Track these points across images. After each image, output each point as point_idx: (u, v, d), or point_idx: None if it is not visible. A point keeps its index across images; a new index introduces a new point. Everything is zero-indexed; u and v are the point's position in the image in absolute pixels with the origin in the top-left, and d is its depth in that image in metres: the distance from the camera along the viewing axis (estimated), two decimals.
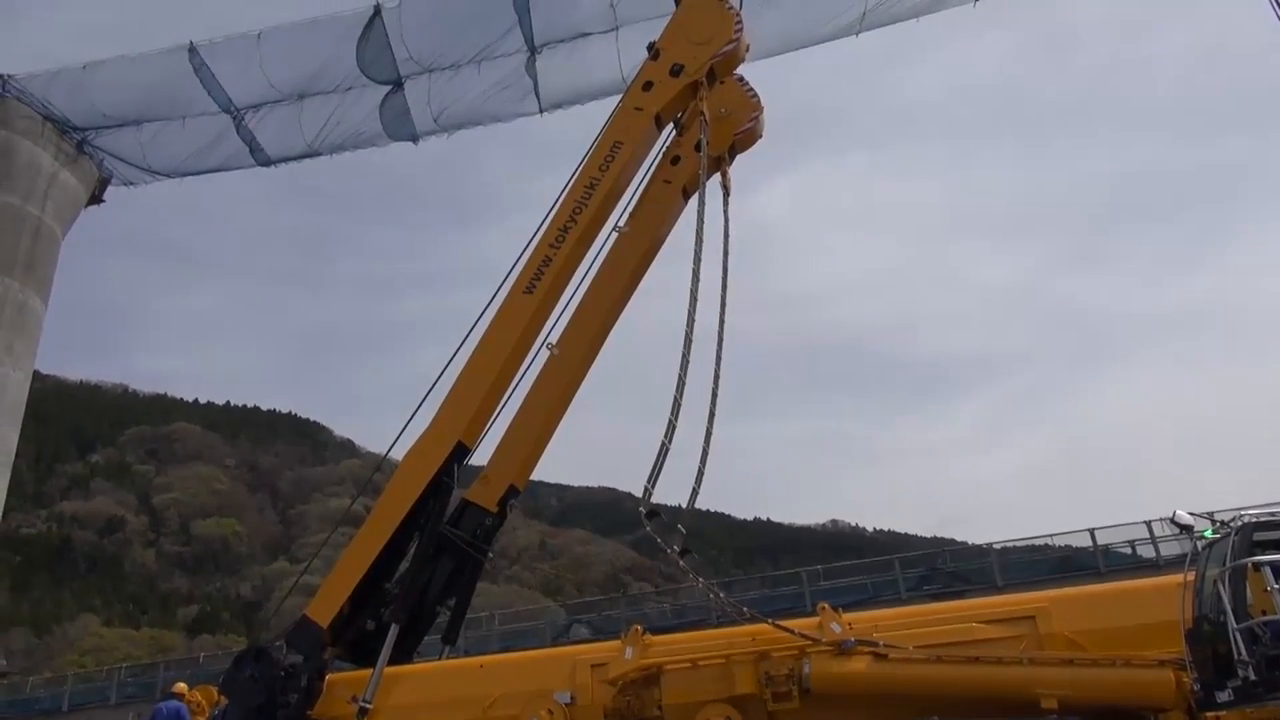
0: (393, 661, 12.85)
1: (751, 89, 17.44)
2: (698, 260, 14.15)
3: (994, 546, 25.74)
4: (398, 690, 12.40)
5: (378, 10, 29.36)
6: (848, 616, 10.92)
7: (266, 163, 32.92)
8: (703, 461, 12.50)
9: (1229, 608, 7.21)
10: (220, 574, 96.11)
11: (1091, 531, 25.51)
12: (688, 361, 12.90)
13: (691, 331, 13.24)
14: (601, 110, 16.96)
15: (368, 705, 12.10)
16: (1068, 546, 24.94)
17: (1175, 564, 22.43)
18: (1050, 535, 26.35)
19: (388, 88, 30.58)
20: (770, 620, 10.97)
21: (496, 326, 14.82)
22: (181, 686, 12.41)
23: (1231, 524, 7.77)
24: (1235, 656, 7.08)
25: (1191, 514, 8.13)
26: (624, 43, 28.43)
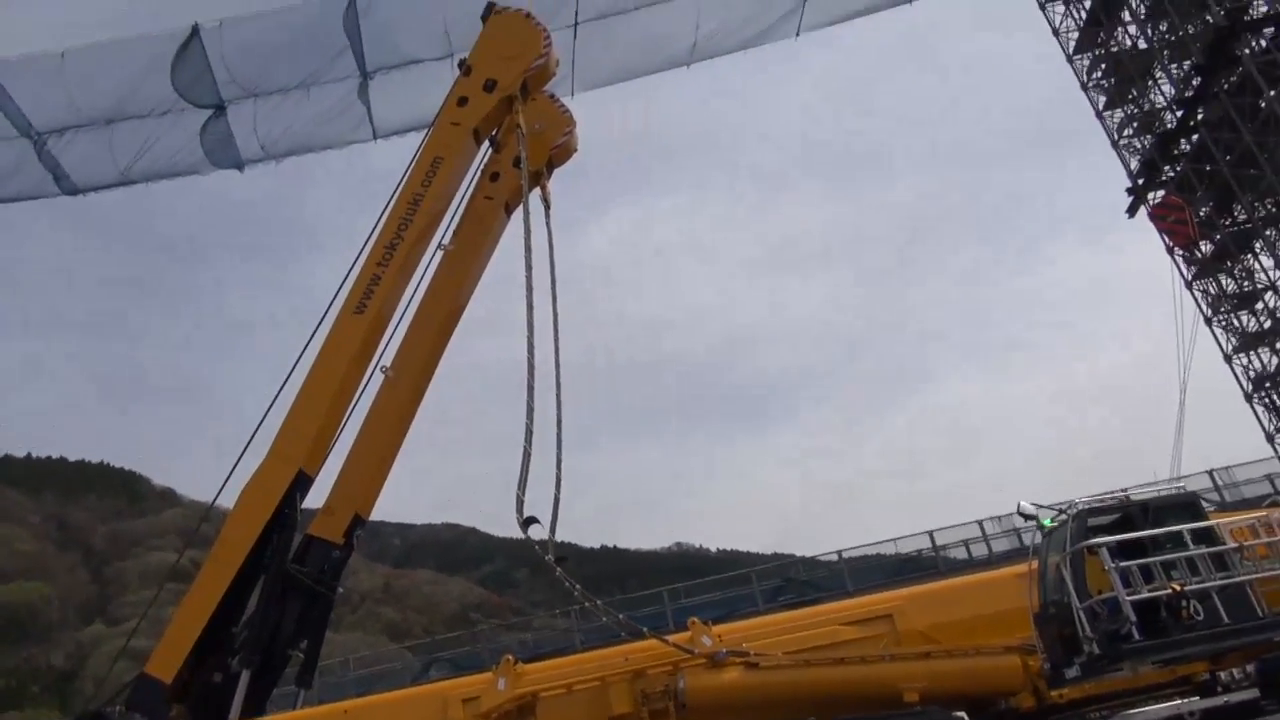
0: (245, 713, 12.08)
1: (563, 105, 17.97)
2: (529, 268, 14.30)
3: (842, 554, 26.85)
4: None
5: (196, 31, 27.94)
6: (718, 629, 11.10)
7: (73, 191, 30.61)
8: (558, 467, 12.47)
9: (1072, 589, 7.75)
10: (28, 643, 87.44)
11: (930, 534, 26.94)
12: (534, 365, 13.05)
13: (533, 335, 13.38)
14: None
15: None
16: (916, 552, 26.26)
17: (1006, 558, 24.21)
18: (893, 539, 27.70)
19: (208, 112, 29.11)
20: (655, 634, 10.99)
21: (329, 348, 14.48)
22: None
23: (1067, 512, 8.35)
24: (1080, 634, 7.61)
25: (1035, 504, 8.71)
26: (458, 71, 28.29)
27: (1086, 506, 8.27)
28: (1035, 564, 8.94)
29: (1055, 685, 8.60)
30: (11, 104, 27.85)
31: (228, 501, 14.28)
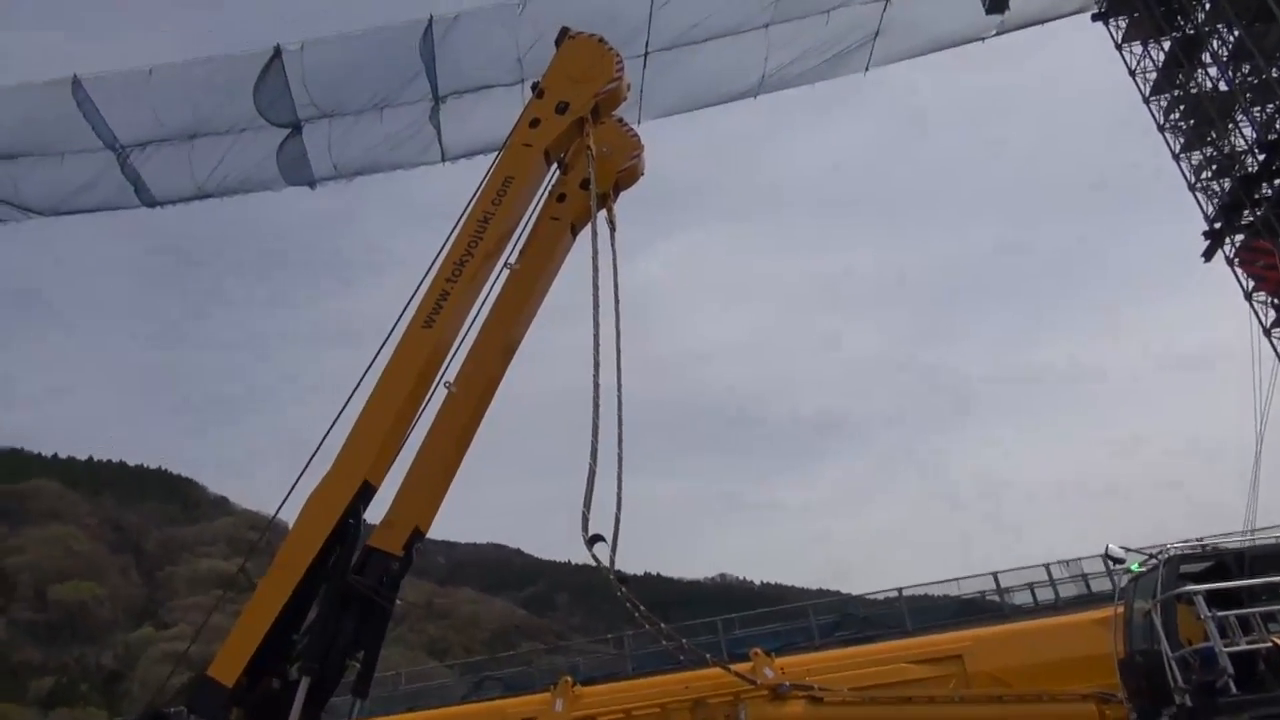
0: None
1: (632, 129, 18.14)
2: (596, 287, 14.30)
3: (902, 592, 26.34)
4: None
5: (278, 52, 28.78)
6: (780, 661, 10.93)
7: (152, 203, 31.61)
8: (619, 487, 12.33)
9: (1164, 637, 7.47)
10: (78, 643, 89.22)
11: (995, 575, 26.22)
12: (599, 382, 13.00)
13: (598, 351, 13.31)
14: None
15: None
16: (978, 593, 25.67)
17: (1073, 605, 23.57)
18: (956, 579, 27.26)
19: (285, 131, 29.90)
20: (719, 662, 10.85)
21: (397, 361, 14.66)
22: None
23: (1158, 557, 8.08)
24: (1171, 684, 7.32)
25: (1124, 548, 8.44)
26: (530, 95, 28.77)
27: (1179, 553, 7.99)
28: (1121, 609, 8.64)
29: None
30: (99, 117, 28.90)
31: (288, 514, 14.57)
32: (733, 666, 11.00)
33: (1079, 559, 24.66)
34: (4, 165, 29.94)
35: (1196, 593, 7.43)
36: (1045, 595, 24.50)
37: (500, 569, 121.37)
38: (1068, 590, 24.27)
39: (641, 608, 11.01)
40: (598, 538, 11.33)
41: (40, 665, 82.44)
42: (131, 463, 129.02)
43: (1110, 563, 8.64)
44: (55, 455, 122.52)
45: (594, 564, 11.19)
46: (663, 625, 11.26)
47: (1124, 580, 8.76)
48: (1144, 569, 8.35)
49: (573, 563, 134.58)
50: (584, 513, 11.49)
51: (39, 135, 29.74)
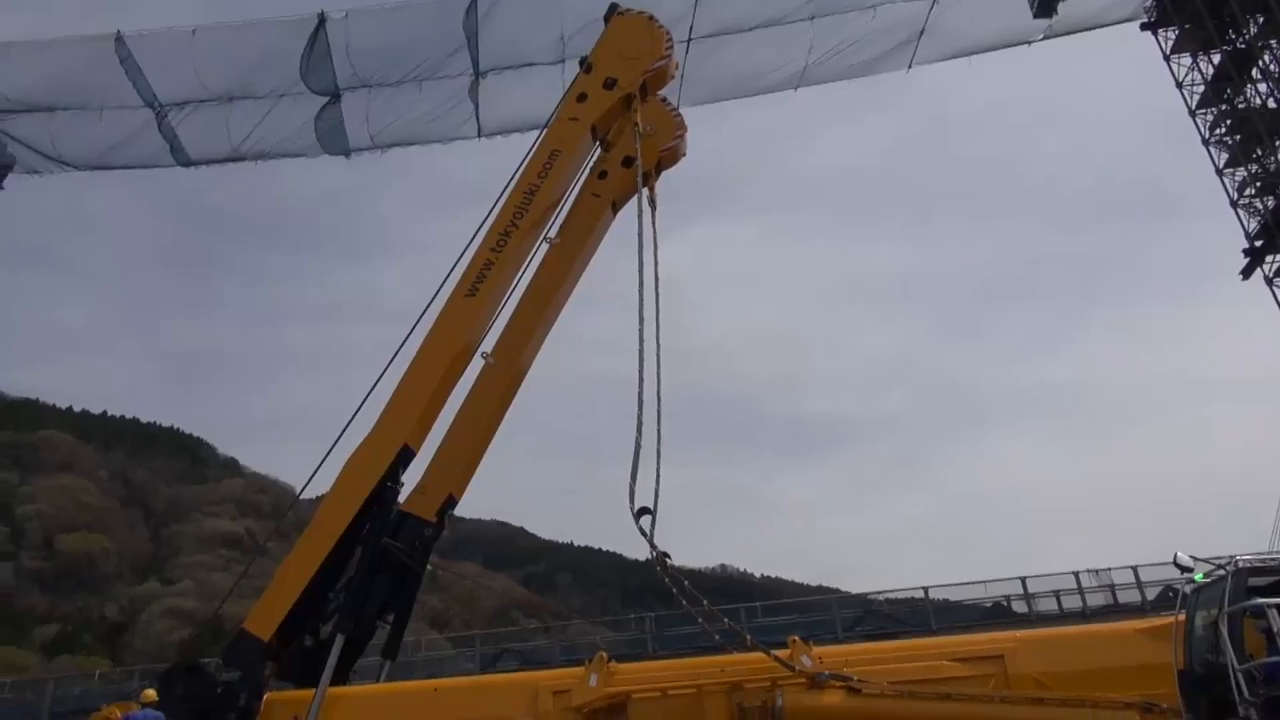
0: (333, 680, 12.29)
1: (675, 110, 18.17)
2: (641, 264, 14.59)
3: (928, 591, 26.36)
4: (343, 712, 11.83)
5: (322, 20, 28.74)
6: (818, 651, 10.96)
7: (187, 163, 31.64)
8: (657, 463, 12.35)
9: (1230, 649, 7.46)
10: (83, 593, 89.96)
11: (1023, 580, 26.14)
12: (644, 357, 13.12)
13: (643, 326, 13.54)
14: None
15: None
16: (1003, 597, 25.62)
17: (1100, 615, 23.60)
18: (983, 581, 27.16)
19: (324, 99, 29.88)
20: (761, 645, 10.89)
21: (439, 329, 14.86)
22: (151, 694, 11.60)
23: (1226, 568, 8.08)
24: (1237, 698, 7.31)
25: (1192, 557, 8.45)
26: (570, 75, 28.71)
27: (1248, 565, 7.99)
28: (1182, 619, 8.65)
29: None
30: (140, 75, 28.89)
31: (317, 489, 14.72)
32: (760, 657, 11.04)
33: (1108, 569, 24.71)
34: (42, 118, 30.02)
35: (1269, 605, 7.43)
36: (1070, 604, 24.53)
37: (503, 546, 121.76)
38: (1094, 600, 24.28)
39: (685, 582, 11.04)
40: (645, 510, 11.38)
41: (45, 613, 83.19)
42: (144, 419, 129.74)
43: (1180, 570, 8.64)
44: (69, 408, 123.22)
45: (641, 536, 11.21)
46: (705, 602, 11.29)
47: (1187, 590, 8.76)
48: (1209, 579, 8.36)
49: (574, 544, 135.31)
50: (630, 485, 11.53)
51: (79, 90, 29.77)
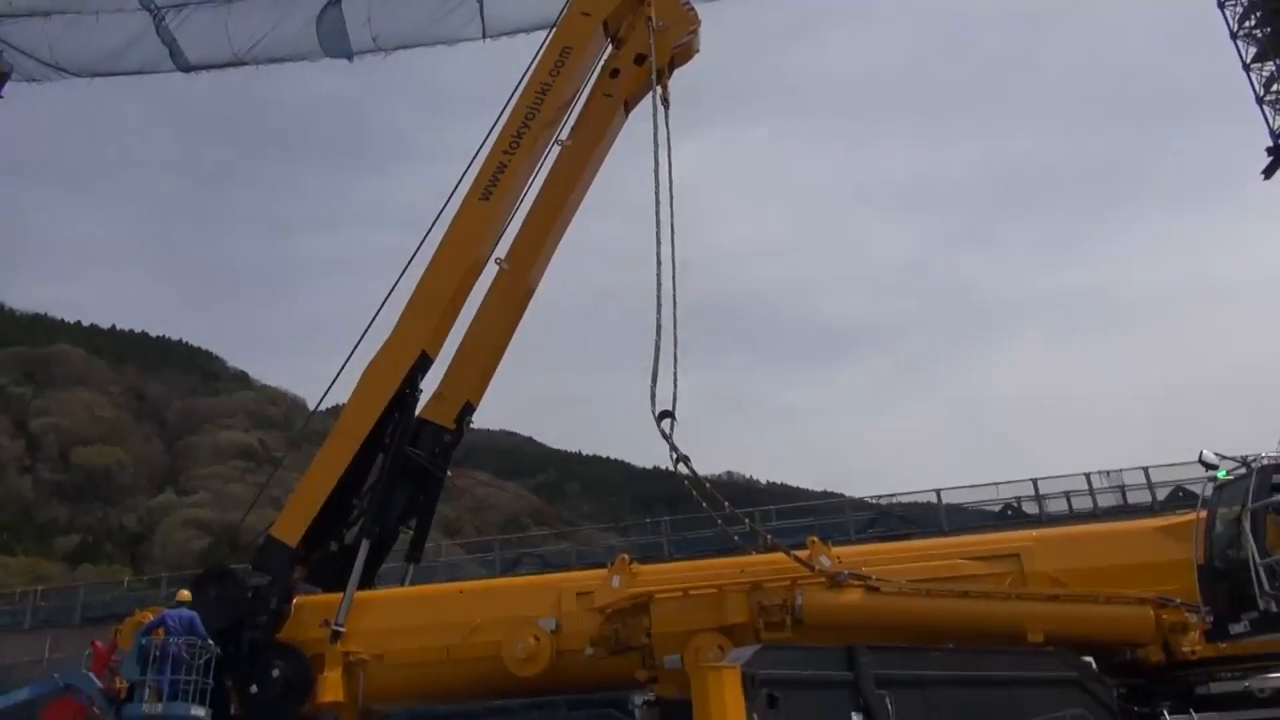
0: (358, 584, 12.54)
1: (689, 3, 17.56)
2: (657, 163, 14.41)
3: (940, 494, 26.71)
4: (371, 614, 12.09)
5: None
6: (836, 550, 11.10)
7: (187, 68, 30.73)
8: (675, 365, 12.34)
9: (1252, 544, 7.55)
10: (101, 504, 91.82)
11: (1034, 481, 26.34)
12: (661, 259, 13.10)
13: (660, 228, 13.47)
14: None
15: (340, 629, 11.76)
16: (1014, 499, 25.95)
17: (1110, 515, 23.86)
18: (994, 484, 27.44)
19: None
20: (780, 545, 11.03)
21: (454, 233, 14.70)
22: (186, 594, 11.87)
23: (1250, 465, 8.11)
24: (1258, 591, 7.43)
25: (1217, 454, 8.49)
26: None
27: (1272, 462, 8.02)
28: (1204, 515, 8.73)
29: (1217, 638, 8.47)
30: None
31: (329, 402, 14.74)
32: (779, 557, 11.18)
33: (1119, 470, 24.92)
34: (38, 23, 29.19)
35: None
36: (1080, 505, 24.82)
37: (513, 455, 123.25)
38: (1105, 500, 24.55)
39: (708, 484, 11.14)
40: (667, 413, 11.43)
41: (66, 524, 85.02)
42: (154, 333, 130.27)
43: (1205, 467, 8.68)
44: (79, 322, 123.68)
45: (661, 438, 11.28)
46: (728, 504, 11.39)
47: (1208, 488, 8.82)
48: (1232, 477, 8.41)
49: (583, 453, 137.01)
50: (651, 389, 11.55)
51: None
